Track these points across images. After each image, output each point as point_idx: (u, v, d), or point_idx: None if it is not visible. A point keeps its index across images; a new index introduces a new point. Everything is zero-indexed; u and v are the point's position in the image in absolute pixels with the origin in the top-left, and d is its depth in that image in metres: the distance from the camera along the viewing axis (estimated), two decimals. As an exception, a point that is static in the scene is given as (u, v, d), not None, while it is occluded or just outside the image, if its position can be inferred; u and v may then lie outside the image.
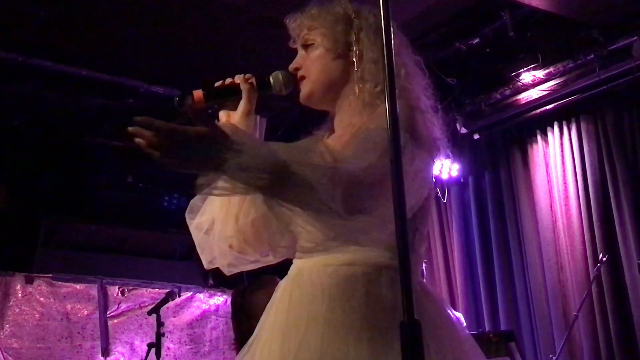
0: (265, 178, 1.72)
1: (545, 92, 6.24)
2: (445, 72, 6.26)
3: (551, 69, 6.09)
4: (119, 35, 5.65)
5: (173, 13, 5.42)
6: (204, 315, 7.30)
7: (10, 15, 5.35)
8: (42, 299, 6.53)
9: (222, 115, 2.21)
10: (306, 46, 2.22)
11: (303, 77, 2.20)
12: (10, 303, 6.36)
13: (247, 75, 2.21)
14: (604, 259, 5.41)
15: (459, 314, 5.54)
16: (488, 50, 6.17)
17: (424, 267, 5.15)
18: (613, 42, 5.74)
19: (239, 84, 2.19)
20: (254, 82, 2.20)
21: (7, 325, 6.29)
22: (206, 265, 2.21)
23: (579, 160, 6.17)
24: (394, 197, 1.48)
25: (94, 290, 6.80)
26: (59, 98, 6.39)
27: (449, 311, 2.12)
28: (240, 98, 2.18)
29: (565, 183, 6.26)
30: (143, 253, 7.30)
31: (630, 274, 5.68)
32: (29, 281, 6.50)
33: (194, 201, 2.21)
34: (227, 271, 2.20)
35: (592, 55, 5.82)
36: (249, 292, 4.56)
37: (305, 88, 2.20)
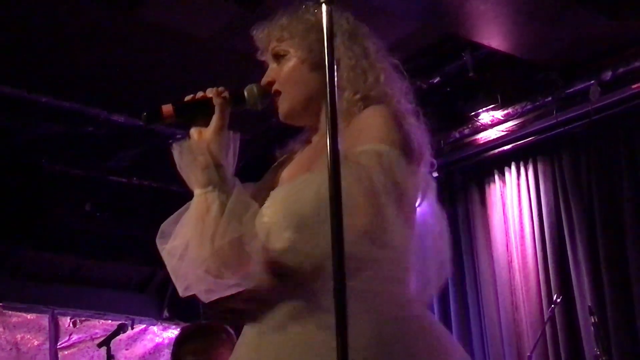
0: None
1: (503, 133, 6.30)
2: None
3: (510, 110, 6.16)
4: (80, 62, 5.61)
5: (136, 42, 5.42)
6: (157, 349, 7.19)
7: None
8: (-9, 327, 6.41)
9: (194, 132, 2.07)
10: (277, 58, 2.12)
11: (278, 92, 2.10)
12: (-41, 331, 6.24)
13: (220, 88, 2.08)
14: (558, 300, 5.45)
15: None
16: (448, 89, 6.24)
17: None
18: (571, 85, 5.83)
19: (211, 98, 2.06)
20: (227, 96, 2.07)
21: (-45, 355, 6.16)
22: (181, 293, 2.07)
23: (535, 200, 6.23)
24: (331, 221, 1.44)
25: (44, 320, 6.69)
26: (18, 124, 6.32)
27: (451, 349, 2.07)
28: (213, 113, 2.05)
29: (521, 223, 6.31)
30: (97, 283, 7.21)
31: (583, 315, 5.72)
32: (-21, 309, 6.39)
33: (166, 225, 2.10)
34: (205, 298, 2.05)
35: (550, 98, 5.91)
36: (186, 340, 4.21)
37: (283, 105, 2.10)
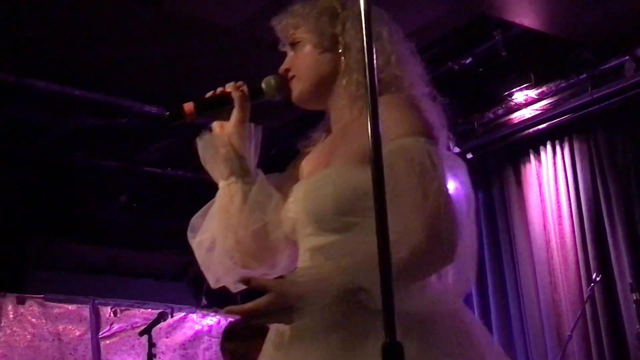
0: (336, 305, 1.71)
1: (537, 112, 6.24)
2: (438, 91, 6.26)
3: (544, 89, 6.11)
4: (111, 54, 5.65)
5: (166, 33, 5.44)
6: (196, 336, 7.25)
7: (2, 36, 5.35)
8: (33, 319, 6.49)
9: (216, 125, 2.14)
10: (294, 45, 2.13)
11: (293, 77, 2.12)
12: (2, 324, 6.32)
13: (239, 83, 2.14)
14: (598, 278, 5.41)
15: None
16: (480, 69, 6.19)
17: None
18: (605, 61, 5.76)
19: (230, 92, 2.12)
20: (246, 90, 2.13)
21: (-1, 347, 6.25)
22: (212, 284, 2.11)
23: (572, 179, 6.17)
24: (375, 210, 1.43)
25: (86, 311, 6.76)
26: (52, 118, 6.38)
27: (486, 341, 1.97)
28: (233, 107, 2.11)
29: (558, 202, 6.26)
30: (136, 273, 7.28)
31: (623, 293, 5.66)
32: (21, 302, 6.46)
33: (195, 219, 2.15)
34: (234, 288, 2.07)
35: (584, 75, 5.85)
36: (230, 336, 4.40)
37: (295, 88, 2.11)
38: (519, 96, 6.24)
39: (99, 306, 6.88)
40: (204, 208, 2.16)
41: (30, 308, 6.51)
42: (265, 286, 1.74)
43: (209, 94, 2.14)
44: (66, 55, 5.63)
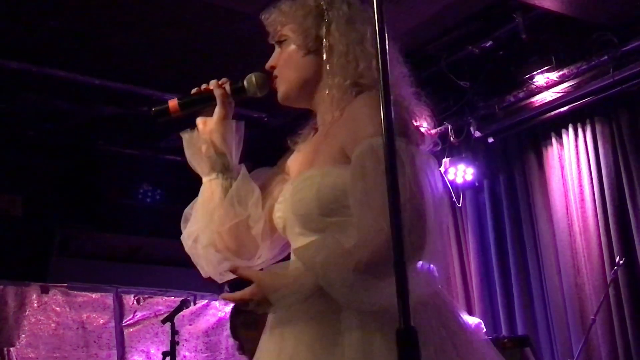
0: (311, 299, 1.81)
1: (559, 95, 6.20)
2: (458, 75, 6.25)
3: (565, 71, 6.06)
4: (131, 43, 5.67)
5: (186, 20, 5.44)
6: (219, 323, 7.28)
7: (23, 26, 5.38)
8: (57, 308, 6.53)
9: (199, 122, 2.20)
10: (280, 42, 2.17)
11: (277, 76, 2.16)
12: (26, 313, 6.37)
13: (222, 80, 2.19)
14: (621, 261, 5.37)
15: (477, 320, 5.50)
16: (501, 53, 6.16)
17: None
18: (627, 43, 5.71)
19: (212, 89, 2.17)
20: (228, 87, 2.17)
21: (23, 335, 6.30)
22: (203, 274, 2.20)
23: (595, 162, 6.13)
24: (390, 204, 1.48)
25: (109, 299, 6.81)
26: (73, 107, 6.41)
27: (463, 318, 2.07)
28: (215, 104, 2.16)
29: (580, 185, 6.21)
30: (158, 261, 7.30)
31: (647, 276, 5.64)
32: (45, 291, 6.51)
33: (187, 210, 2.22)
34: (219, 279, 2.17)
35: (606, 57, 5.80)
36: (238, 312, 4.53)
37: (280, 88, 2.15)
38: (540, 79, 6.20)
39: (122, 294, 6.92)
40: (195, 200, 2.23)
41: (54, 297, 6.55)
42: (249, 277, 1.88)
43: (193, 91, 2.21)
44: (86, 44, 5.65)
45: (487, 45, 6.02)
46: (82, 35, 5.53)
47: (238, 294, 1.89)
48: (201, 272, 2.20)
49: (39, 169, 6.80)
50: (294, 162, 2.18)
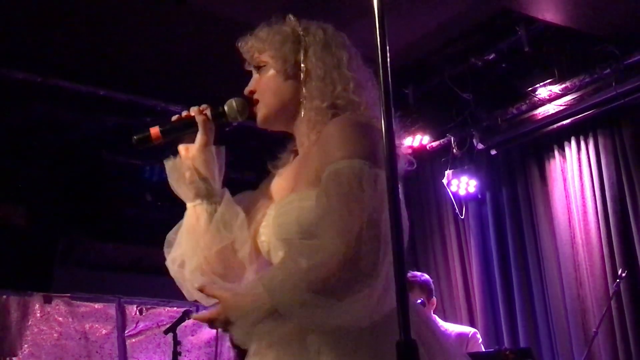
0: (268, 319, 1.81)
1: (561, 107, 6.22)
2: (461, 87, 6.26)
3: (567, 84, 6.08)
4: (136, 55, 5.69)
5: (191, 32, 5.46)
6: (221, 334, 7.27)
7: (28, 37, 5.41)
8: (60, 318, 6.54)
9: (181, 148, 2.21)
10: (258, 68, 2.20)
11: (257, 101, 2.18)
12: (29, 323, 6.38)
13: (203, 106, 2.20)
14: (623, 274, 5.37)
15: (473, 330, 5.49)
16: (504, 65, 6.18)
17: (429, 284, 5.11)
18: (629, 56, 5.73)
19: (194, 116, 2.18)
20: (209, 113, 2.18)
21: (26, 345, 6.30)
22: (189, 297, 2.22)
23: (597, 175, 6.14)
24: (390, 218, 1.49)
25: (112, 310, 6.81)
26: (77, 118, 6.43)
27: (439, 329, 2.11)
28: (197, 130, 2.17)
29: (583, 198, 6.22)
30: (161, 271, 7.25)
31: (650, 289, 5.64)
32: (47, 301, 6.52)
33: (170, 234, 2.25)
34: (206, 303, 2.14)
35: (608, 70, 5.81)
36: None
37: (260, 112, 2.17)
38: (543, 91, 6.22)
39: (125, 305, 6.93)
40: (178, 224, 2.27)
41: (57, 307, 6.56)
42: (214, 296, 1.93)
43: (174, 118, 2.21)
44: (91, 55, 5.67)
45: (490, 57, 6.04)
46: (87, 46, 5.56)
47: (206, 314, 1.93)
48: (186, 295, 2.22)
49: (43, 179, 6.80)
50: (276, 186, 2.20)
